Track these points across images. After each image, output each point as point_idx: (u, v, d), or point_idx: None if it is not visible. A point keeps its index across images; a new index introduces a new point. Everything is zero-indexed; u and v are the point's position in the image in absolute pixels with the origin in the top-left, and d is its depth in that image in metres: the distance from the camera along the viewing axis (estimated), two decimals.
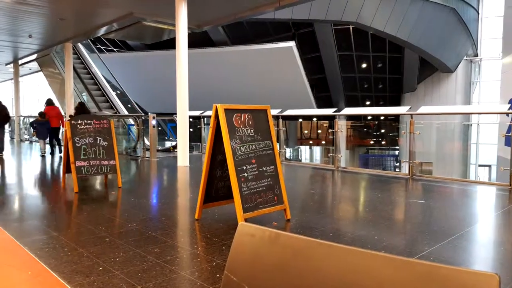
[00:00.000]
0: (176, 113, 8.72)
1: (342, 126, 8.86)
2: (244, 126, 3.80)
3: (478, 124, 21.69)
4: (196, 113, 10.97)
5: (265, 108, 4.04)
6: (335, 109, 8.77)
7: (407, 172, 6.98)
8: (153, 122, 9.82)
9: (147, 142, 10.48)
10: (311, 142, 23.97)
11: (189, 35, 8.74)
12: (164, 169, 8.66)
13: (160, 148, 12.36)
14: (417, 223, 4.12)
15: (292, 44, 17.08)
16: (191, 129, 10.27)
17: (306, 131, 23.76)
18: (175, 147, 11.01)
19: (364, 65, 21.20)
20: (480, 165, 21.69)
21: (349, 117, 19.07)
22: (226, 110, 3.68)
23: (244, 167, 3.69)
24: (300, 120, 22.28)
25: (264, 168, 3.84)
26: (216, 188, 4.03)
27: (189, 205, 4.73)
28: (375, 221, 4.05)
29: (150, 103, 21.30)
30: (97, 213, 4.33)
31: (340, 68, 20.35)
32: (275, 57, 17.61)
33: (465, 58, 21.84)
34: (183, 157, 8.44)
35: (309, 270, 0.66)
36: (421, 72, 21.53)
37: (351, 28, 19.05)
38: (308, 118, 21.66)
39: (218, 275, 2.62)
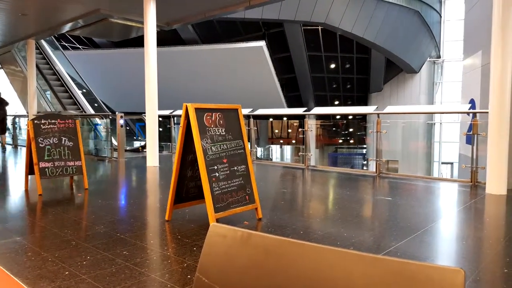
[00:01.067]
0: (145, 113, 8.56)
1: (312, 125, 8.98)
2: (215, 125, 3.78)
3: (440, 123, 22.55)
4: (166, 112, 10.81)
5: (236, 107, 4.03)
6: (305, 109, 8.89)
7: (374, 170, 7.16)
8: (121, 121, 9.59)
9: (114, 142, 10.23)
10: (281, 141, 24.17)
11: (158, 33, 8.59)
12: (133, 170, 8.48)
13: (128, 148, 12.10)
14: (384, 220, 4.24)
15: (262, 43, 17.15)
16: (160, 129, 10.11)
17: (277, 131, 23.94)
18: (144, 147, 10.81)
19: (332, 66, 21.59)
20: (443, 163, 22.55)
21: (318, 117, 19.32)
22: (196, 109, 3.65)
23: (215, 167, 3.67)
24: (271, 119, 22.42)
25: (235, 168, 3.84)
26: (187, 188, 3.98)
27: (159, 206, 4.66)
28: (344, 218, 4.13)
29: (118, 102, 20.80)
30: (62, 216, 4.18)
31: (310, 68, 20.63)
32: (245, 56, 17.62)
33: (428, 59, 22.66)
34: (152, 157, 8.29)
35: (281, 269, 0.67)
36: (387, 73, 22.16)
37: (320, 29, 19.35)
38: (278, 117, 21.82)
39: (189, 276, 2.59)
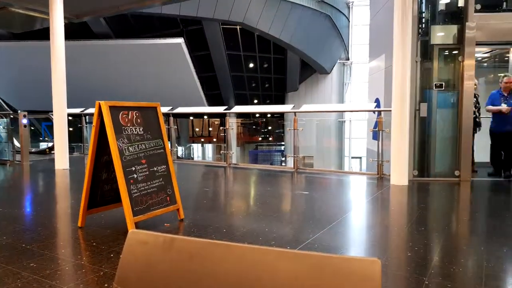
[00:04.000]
0: (52, 111, 7.87)
1: (232, 124, 9.05)
2: (132, 124, 3.61)
3: (350, 120, 24.24)
4: (76, 110, 10.07)
5: (154, 105, 3.89)
6: (225, 107, 8.92)
7: (292, 166, 7.45)
8: (24, 121, 8.71)
9: (17, 144, 9.25)
10: (203, 140, 23.97)
11: (65, 25, 7.94)
12: (39, 174, 7.75)
13: (33, 150, 11.04)
14: (302, 213, 4.43)
15: (180, 40, 16.81)
16: (70, 129, 9.39)
17: (197, 129, 23.68)
18: (51, 148, 9.94)
19: (251, 65, 21.98)
20: (352, 157, 24.26)
21: (239, 115, 19.57)
22: (111, 107, 3.45)
23: (133, 168, 3.51)
24: (192, 118, 22.11)
25: (155, 168, 3.71)
26: (102, 192, 3.75)
27: (70, 212, 4.32)
28: (265, 214, 4.24)
29: (21, 100, 18.82)
30: None
31: (229, 67, 20.76)
32: (163, 53, 17.11)
33: (338, 61, 24.21)
34: (61, 159, 7.66)
35: (207, 272, 0.66)
36: (302, 73, 23.21)
37: (238, 28, 19.55)
38: (199, 116, 21.61)
39: (106, 285, 2.45)
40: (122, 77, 18.26)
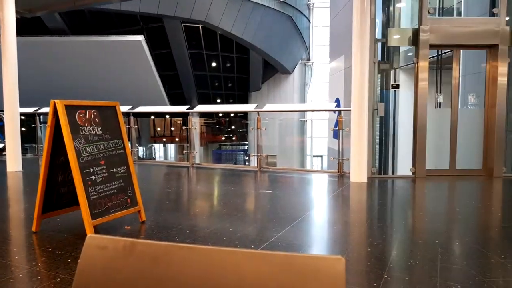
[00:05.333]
0: (2, 110, 7.43)
1: (195, 123, 8.95)
2: (90, 124, 3.48)
3: (311, 120, 24.69)
4: (30, 109, 9.57)
5: (113, 104, 3.77)
6: (188, 106, 8.80)
7: (256, 165, 7.48)
8: None
9: None
10: (165, 139, 23.54)
11: (17, 20, 7.53)
12: None
13: None
14: (266, 212, 4.46)
15: (140, 38, 16.39)
16: (23, 129, 8.91)
17: (159, 129, 23.21)
18: (3, 149, 9.40)
19: (214, 64, 21.84)
20: (314, 156, 24.74)
21: (202, 114, 19.38)
22: (67, 106, 3.31)
23: (91, 170, 3.38)
24: (153, 117, 21.65)
25: (114, 169, 3.60)
26: (58, 195, 3.59)
27: (24, 217, 4.10)
28: (229, 213, 4.23)
29: None
30: None
31: (192, 66, 20.51)
32: (123, 50, 16.61)
33: (300, 61, 24.58)
34: (14, 161, 7.26)
35: (171, 277, 0.64)
36: (265, 73, 23.36)
37: (200, 27, 19.36)
38: (161, 115, 21.19)
39: None
40: (79, 75, 17.55)
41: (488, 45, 6.45)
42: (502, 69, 6.31)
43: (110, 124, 3.66)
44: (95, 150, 3.47)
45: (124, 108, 8.30)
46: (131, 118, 8.66)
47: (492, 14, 6.46)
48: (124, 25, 18.42)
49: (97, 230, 3.37)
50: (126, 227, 3.66)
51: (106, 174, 3.51)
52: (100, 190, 3.41)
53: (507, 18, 6.35)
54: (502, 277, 2.60)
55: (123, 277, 0.67)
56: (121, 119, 3.79)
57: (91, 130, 3.48)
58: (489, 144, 6.48)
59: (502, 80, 6.33)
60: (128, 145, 3.90)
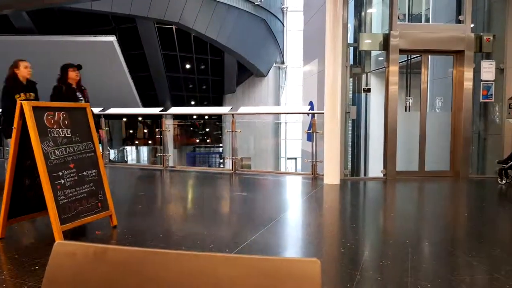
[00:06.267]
0: None
1: (169, 126, 8.83)
2: (59, 126, 3.37)
3: (286, 122, 24.88)
4: None
5: (83, 106, 3.68)
6: (161, 108, 8.67)
7: (230, 167, 7.46)
8: None
9: None
10: (137, 142, 23.11)
11: None
12: None
13: None
14: (241, 214, 4.45)
15: (112, 38, 16.05)
16: None
17: (131, 131, 22.77)
18: None
19: (188, 66, 21.66)
20: (288, 158, 24.92)
21: (176, 117, 19.16)
22: (35, 108, 3.19)
23: (60, 173, 3.27)
24: (125, 119, 21.22)
25: (84, 173, 3.50)
26: (25, 199, 3.45)
27: None
28: (204, 216, 4.19)
29: None
30: None
31: (165, 67, 20.25)
32: (93, 51, 16.21)
33: (274, 64, 24.74)
34: None
35: (144, 283, 0.62)
36: (239, 76, 23.36)
37: (174, 28, 19.16)
38: (133, 117, 20.80)
39: None
40: (48, 76, 16.98)
41: (454, 51, 6.70)
42: (468, 74, 6.56)
43: (80, 126, 3.56)
44: (64, 153, 3.36)
45: (95, 110, 8.09)
46: (102, 120, 8.45)
47: (459, 21, 6.72)
48: (96, 25, 17.99)
49: (67, 235, 3.27)
50: (97, 232, 3.56)
51: (76, 177, 3.41)
52: (69, 194, 3.31)
53: (472, 25, 6.62)
54: (469, 275, 2.70)
55: (93, 285, 0.65)
56: (92, 121, 3.70)
57: (60, 132, 3.37)
58: (456, 146, 6.72)
59: (468, 84, 6.58)
60: (99, 147, 3.80)
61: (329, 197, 5.51)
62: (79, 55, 16.38)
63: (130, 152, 23.83)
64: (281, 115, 23.59)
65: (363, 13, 7.55)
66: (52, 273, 0.68)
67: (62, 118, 3.40)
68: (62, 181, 3.27)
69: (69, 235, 3.33)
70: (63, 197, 3.24)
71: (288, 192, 6.34)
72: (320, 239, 3.58)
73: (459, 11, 6.91)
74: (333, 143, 6.10)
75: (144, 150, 23.66)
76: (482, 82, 6.63)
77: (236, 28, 19.15)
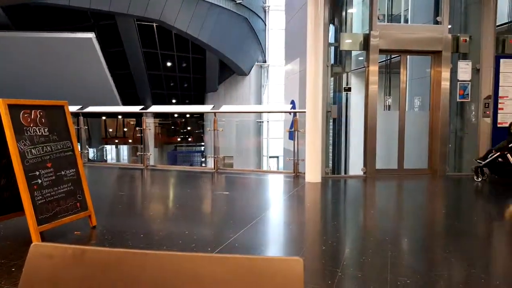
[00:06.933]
0: None
1: (150, 124, 8.72)
2: (36, 124, 3.28)
3: (268, 121, 24.93)
4: None
5: (61, 104, 3.59)
6: (142, 107, 8.56)
7: (212, 166, 7.42)
8: None
9: None
10: (117, 141, 22.74)
11: None
12: None
13: None
14: (223, 213, 4.44)
15: (91, 35, 15.73)
16: None
17: (111, 130, 22.40)
18: None
19: (169, 64, 21.44)
20: (270, 157, 24.98)
21: (156, 115, 18.93)
22: (10, 105, 3.10)
23: (37, 173, 3.20)
24: (104, 117, 20.85)
25: (63, 172, 3.42)
26: (1, 199, 3.36)
27: None
28: (185, 216, 4.16)
29: None
30: None
31: (146, 65, 19.99)
32: (72, 48, 15.86)
33: (256, 63, 24.75)
34: None
35: (124, 284, 0.61)
36: (221, 74, 23.27)
37: (155, 26, 18.93)
38: (113, 115, 20.45)
39: None
40: (25, 73, 16.53)
41: (432, 51, 6.84)
42: (445, 74, 6.72)
43: (58, 125, 3.48)
44: (42, 152, 3.28)
45: (73, 108, 7.93)
46: (81, 118, 8.29)
47: (436, 22, 6.87)
48: (74, 22, 17.60)
49: (44, 236, 3.19)
50: (75, 232, 3.49)
51: (54, 177, 3.33)
52: (47, 194, 3.23)
53: (449, 26, 6.77)
54: (447, 271, 2.77)
55: (72, 287, 0.63)
56: (70, 119, 3.62)
57: (37, 131, 3.29)
58: (434, 144, 6.87)
59: (445, 84, 6.73)
60: (78, 146, 3.73)
61: (311, 195, 5.55)
62: (57, 52, 16.03)
63: (110, 151, 23.46)
64: (263, 113, 23.64)
65: (343, 13, 7.62)
66: (28, 275, 0.66)
67: (39, 116, 3.32)
68: (39, 181, 3.19)
69: (47, 236, 3.26)
70: (40, 197, 3.16)
71: (270, 190, 6.36)
72: (302, 237, 3.60)
73: (437, 12, 7.06)
74: (315, 141, 6.15)
75: (124, 149, 23.32)
76: (458, 82, 6.79)
77: (218, 26, 19.06)
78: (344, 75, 7.37)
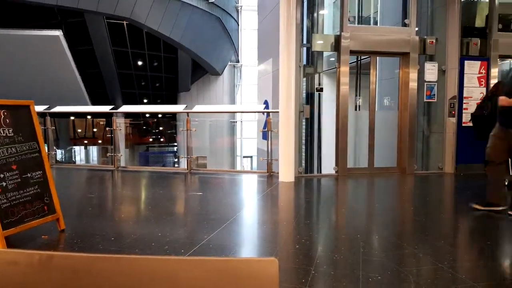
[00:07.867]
0: None
1: (120, 124, 8.53)
2: (0, 125, 3.15)
3: (241, 121, 24.94)
4: None
5: (27, 103, 3.46)
6: (112, 106, 8.36)
7: (185, 167, 7.35)
8: None
9: None
10: (86, 141, 22.12)
11: None
12: None
13: None
14: (196, 214, 4.40)
15: (58, 33, 15.23)
16: None
17: (80, 130, 21.77)
18: None
19: (140, 63, 21.06)
20: (244, 157, 25.00)
21: (127, 115, 18.55)
22: None
23: (2, 175, 3.07)
24: (73, 117, 20.24)
25: (29, 175, 3.30)
26: None
27: None
28: (158, 217, 4.10)
29: None
30: None
31: (116, 64, 19.55)
32: (38, 46, 15.30)
33: (229, 63, 24.69)
34: None
35: None
36: (194, 74, 23.06)
37: (125, 24, 18.55)
38: (82, 115, 19.88)
39: None
40: None
41: (400, 53, 7.04)
42: (413, 75, 6.92)
43: (23, 126, 3.35)
44: (6, 154, 3.15)
45: (40, 108, 7.66)
46: (48, 118, 8.01)
47: (404, 24, 7.07)
48: (40, 19, 17.00)
49: (10, 241, 3.07)
50: (43, 236, 3.38)
51: (19, 179, 3.21)
52: (12, 198, 3.11)
53: (417, 29, 6.99)
54: (416, 267, 2.85)
55: None
56: (36, 119, 3.49)
57: (1, 132, 3.16)
58: (402, 143, 7.07)
59: (413, 85, 6.94)
60: (45, 148, 3.60)
61: (284, 194, 5.59)
62: (22, 50, 15.41)
63: (79, 152, 22.80)
64: (237, 113, 23.61)
65: (315, 14, 7.72)
66: None
67: (3, 116, 3.19)
68: (4, 184, 3.07)
69: (13, 241, 3.13)
70: (5, 200, 3.04)
71: (244, 190, 6.36)
72: (275, 237, 3.62)
73: (405, 14, 7.27)
74: (288, 141, 6.20)
75: (94, 150, 22.72)
76: (425, 83, 7.02)
77: (190, 25, 18.89)
78: (316, 76, 7.47)
